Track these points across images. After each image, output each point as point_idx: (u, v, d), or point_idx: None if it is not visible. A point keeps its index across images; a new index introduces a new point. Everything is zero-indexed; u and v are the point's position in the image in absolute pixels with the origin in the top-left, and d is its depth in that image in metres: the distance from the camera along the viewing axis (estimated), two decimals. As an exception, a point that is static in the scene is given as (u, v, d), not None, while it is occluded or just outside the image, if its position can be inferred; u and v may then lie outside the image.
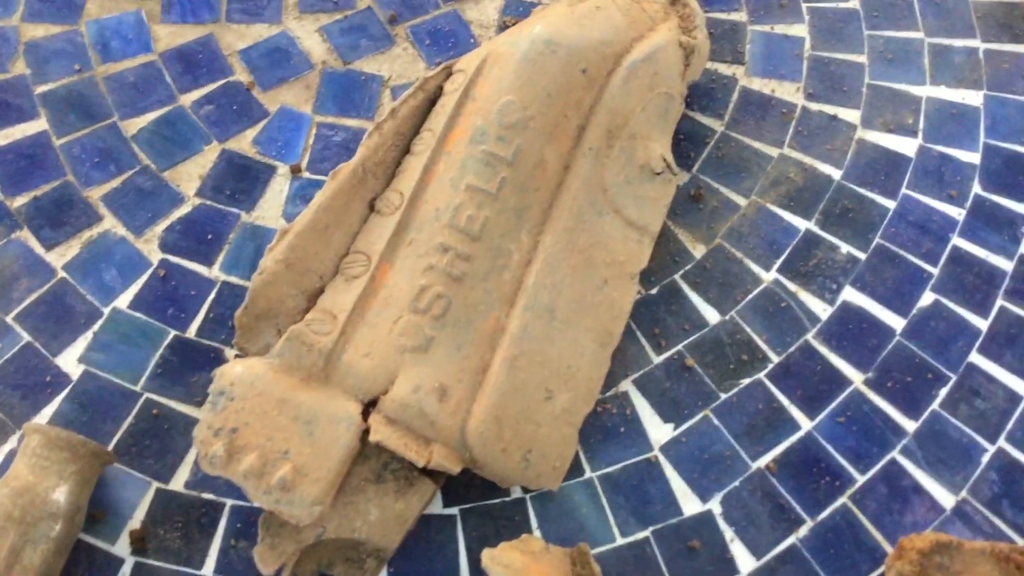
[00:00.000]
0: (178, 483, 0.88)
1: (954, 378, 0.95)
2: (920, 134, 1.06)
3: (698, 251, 1.01)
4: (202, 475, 0.88)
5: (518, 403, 0.87)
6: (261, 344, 0.89)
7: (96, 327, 0.94)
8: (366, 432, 0.84)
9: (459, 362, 0.88)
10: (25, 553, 0.77)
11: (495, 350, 0.89)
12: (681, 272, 1.00)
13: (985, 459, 0.91)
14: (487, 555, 0.79)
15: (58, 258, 0.97)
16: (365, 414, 0.85)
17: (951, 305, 0.98)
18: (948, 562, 0.84)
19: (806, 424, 0.93)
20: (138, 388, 0.92)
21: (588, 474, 0.91)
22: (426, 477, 0.85)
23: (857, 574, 0.86)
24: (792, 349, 0.97)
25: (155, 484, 0.88)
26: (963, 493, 0.90)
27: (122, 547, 0.85)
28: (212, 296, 0.96)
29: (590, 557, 0.83)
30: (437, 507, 0.88)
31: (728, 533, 0.88)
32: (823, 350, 0.97)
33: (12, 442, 0.88)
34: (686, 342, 0.97)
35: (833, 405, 0.94)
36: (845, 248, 1.01)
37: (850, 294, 0.99)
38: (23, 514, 0.78)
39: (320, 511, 0.80)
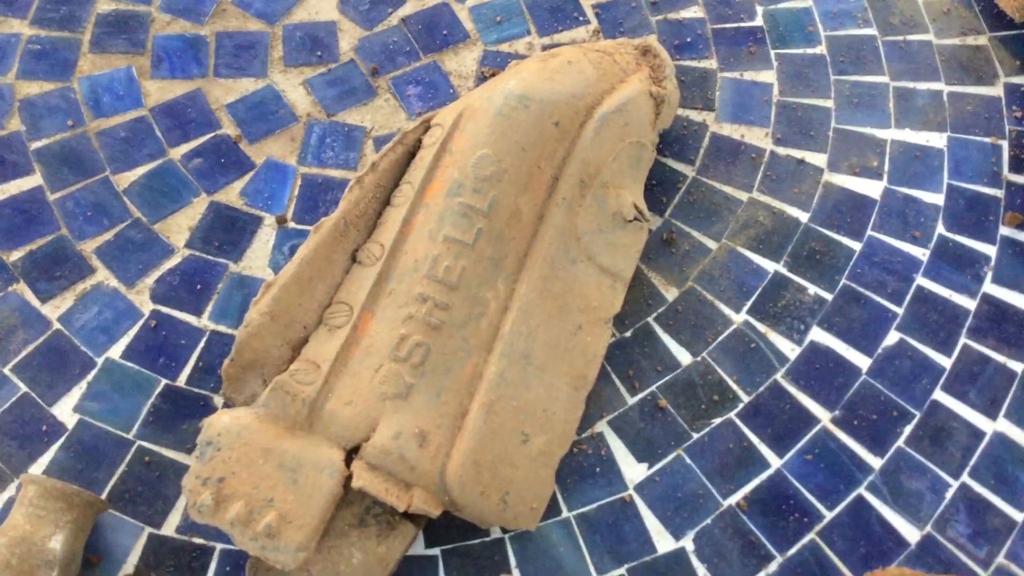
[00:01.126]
0: (170, 528, 0.91)
1: (919, 415, 0.99)
2: (885, 176, 1.10)
3: (671, 294, 1.05)
4: (193, 520, 0.91)
5: (496, 447, 0.91)
6: (248, 393, 0.93)
7: (90, 377, 0.98)
8: (349, 478, 0.87)
9: (438, 408, 0.91)
10: (22, 602, 0.80)
11: (473, 396, 0.93)
12: (654, 315, 1.04)
13: (949, 494, 0.94)
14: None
15: (53, 310, 1.01)
16: (348, 460, 0.88)
17: (915, 344, 1.02)
18: (912, 595, 0.87)
19: (775, 462, 0.97)
20: (130, 436, 0.95)
21: (565, 514, 0.94)
22: (407, 520, 0.89)
23: None
24: (762, 389, 1.00)
25: (147, 529, 0.91)
26: (928, 528, 0.93)
27: (116, 595, 0.88)
28: (201, 345, 1.00)
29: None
30: (419, 548, 0.92)
31: (701, 570, 0.92)
32: (791, 389, 1.00)
33: (11, 490, 0.91)
34: (659, 383, 1.01)
35: (801, 443, 0.98)
36: (813, 289, 1.05)
37: (817, 334, 1.03)
38: (20, 563, 0.81)
39: (304, 556, 0.83)
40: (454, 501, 0.89)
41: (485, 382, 0.93)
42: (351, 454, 0.89)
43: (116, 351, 0.99)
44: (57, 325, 1.00)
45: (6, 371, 0.97)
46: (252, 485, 0.85)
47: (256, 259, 1.04)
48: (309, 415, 0.89)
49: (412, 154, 1.03)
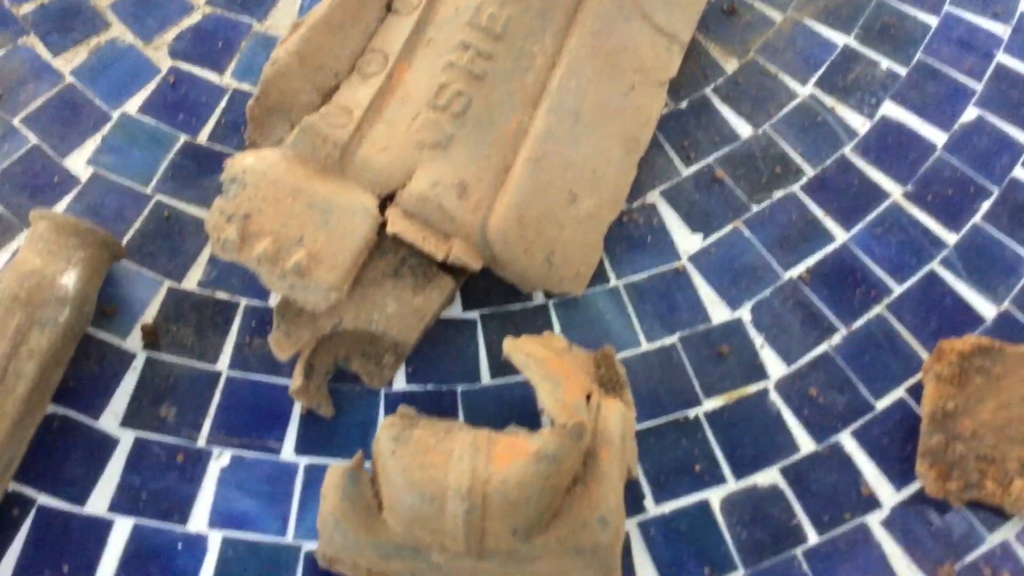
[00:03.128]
0: (191, 283, 0.85)
1: (997, 192, 0.91)
2: (966, -52, 1.00)
3: (730, 65, 0.97)
4: (216, 275, 0.85)
5: (541, 204, 0.84)
6: (274, 139, 0.86)
7: (105, 131, 0.91)
8: (382, 228, 0.80)
9: (480, 161, 0.84)
10: (32, 335, 0.74)
11: (517, 152, 0.85)
12: (712, 86, 0.96)
13: (1028, 272, 0.87)
14: (509, 343, 0.76)
15: (65, 64, 0.94)
16: (381, 209, 0.81)
17: (995, 121, 0.94)
18: (989, 364, 0.80)
19: (842, 236, 0.89)
20: (148, 191, 0.89)
21: (613, 282, 0.87)
22: (445, 274, 0.82)
23: (893, 381, 0.83)
24: (828, 162, 0.93)
25: (167, 283, 0.85)
26: (1006, 304, 0.86)
27: (134, 342, 0.82)
28: (223, 103, 0.93)
29: (615, 360, 0.80)
30: (457, 311, 0.85)
31: (758, 340, 0.85)
32: (860, 164, 0.92)
33: (20, 239, 0.85)
34: (716, 155, 0.93)
35: (870, 217, 0.90)
36: (885, 63, 0.97)
37: (890, 108, 0.95)
38: (29, 296, 0.75)
39: (336, 298, 0.76)
40: (496, 256, 0.81)
41: (531, 137, 0.85)
42: (385, 203, 0.81)
43: (133, 106, 0.92)
44: (70, 79, 0.93)
45: (15, 122, 0.91)
46: (280, 223, 0.77)
47: (282, 18, 0.97)
48: (340, 159, 0.81)
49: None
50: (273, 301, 0.85)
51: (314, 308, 0.77)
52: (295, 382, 0.78)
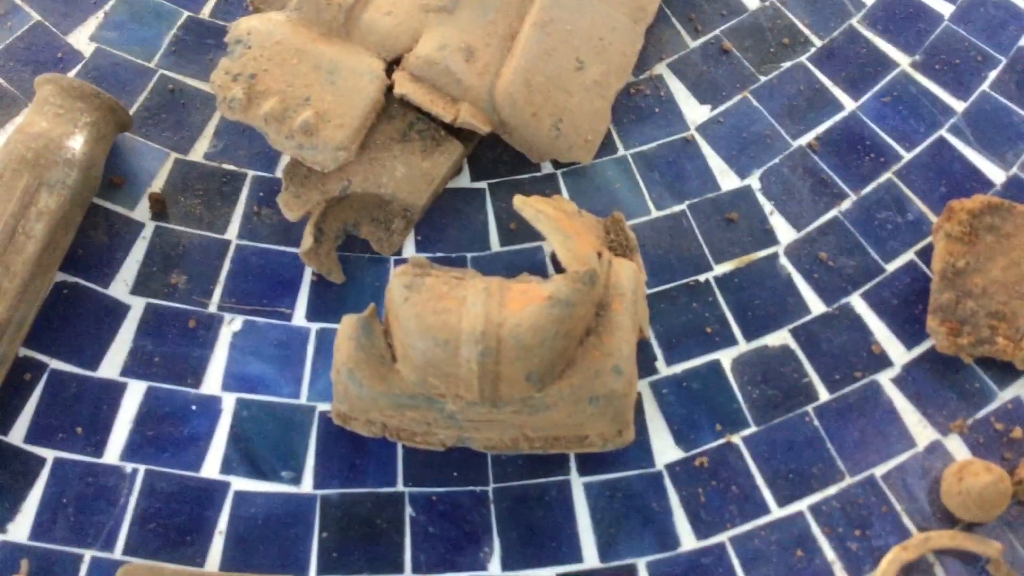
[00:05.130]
0: (197, 155, 0.85)
1: (1005, 61, 0.91)
2: None
3: (736, -61, 0.95)
4: (222, 147, 0.85)
5: (548, 69, 0.83)
6: (277, 6, 0.84)
7: (107, 7, 0.91)
8: (389, 93, 0.79)
9: (486, 26, 0.83)
10: (40, 196, 0.74)
11: (523, 18, 0.84)
12: (718, -41, 0.94)
13: (1037, 138, 0.86)
14: (519, 199, 0.76)
15: (64, -59, 0.91)
16: (388, 74, 0.80)
17: (1003, -9, 0.92)
18: (999, 222, 0.80)
19: (850, 104, 0.89)
20: (152, 65, 0.88)
21: (621, 152, 0.87)
22: (453, 138, 0.81)
23: (902, 244, 0.83)
24: (836, 33, 0.92)
25: (174, 155, 0.84)
26: (1014, 169, 0.86)
27: (142, 212, 0.82)
28: (226, -22, 0.90)
29: (625, 224, 0.80)
30: (465, 181, 0.85)
31: (767, 206, 0.84)
32: (868, 34, 0.92)
33: (24, 115, 0.83)
34: (723, 27, 0.92)
35: (878, 86, 0.90)
36: (892, -65, 0.95)
37: (897, -21, 0.93)
38: (37, 157, 0.74)
39: (344, 157, 0.76)
40: (504, 121, 0.81)
41: (537, 3, 0.85)
42: (392, 68, 0.80)
43: (134, -18, 0.90)
44: (68, -44, 0.91)
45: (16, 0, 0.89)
46: (286, 83, 0.77)
47: None
48: (345, 22, 0.81)
49: None
50: (280, 172, 0.84)
51: (323, 168, 0.77)
52: (305, 243, 0.77)
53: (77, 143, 0.76)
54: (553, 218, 0.75)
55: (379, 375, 0.70)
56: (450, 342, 0.67)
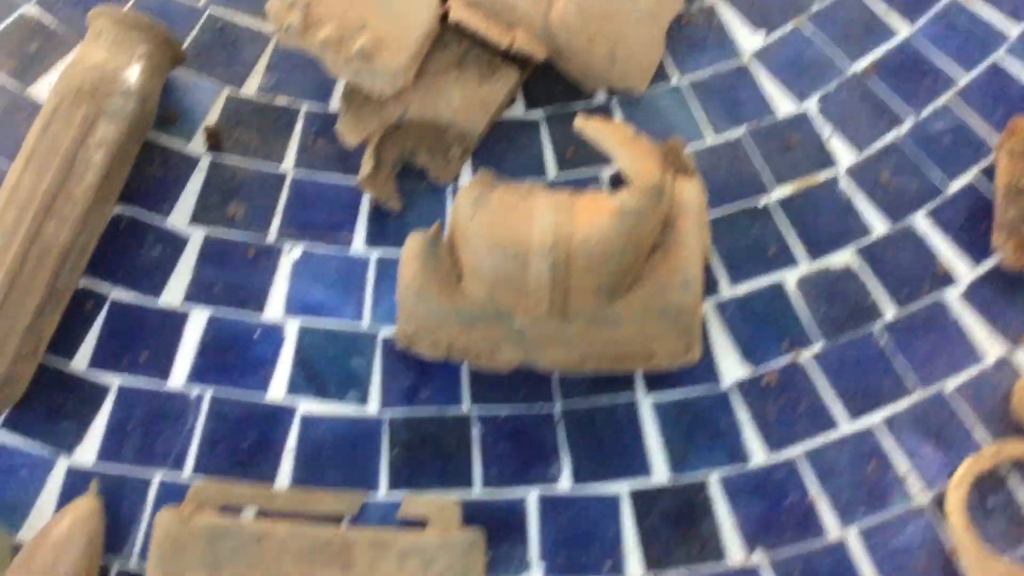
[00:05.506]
0: (250, 89, 0.84)
1: (1061, -18, 0.89)
2: None
3: None
4: (275, 81, 0.85)
5: (602, -2, 0.82)
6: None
7: (153, -53, 0.89)
8: (444, 21, 0.79)
9: (540, -47, 0.82)
10: (99, 126, 0.74)
11: (577, -54, 0.83)
12: None
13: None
14: (580, 119, 0.75)
15: None
16: (442, 0, 0.79)
17: (1057, -85, 0.91)
18: (1063, 138, 0.78)
19: (906, 30, 0.88)
20: (200, 4, 0.88)
21: (676, 80, 0.86)
22: (509, 65, 0.81)
23: (963, 165, 0.82)
24: (888, -41, 0.90)
25: (227, 89, 0.84)
26: (1074, 90, 0.84)
27: (197, 146, 0.82)
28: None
29: (683, 150, 0.79)
30: (520, 111, 0.84)
31: (825, 131, 0.84)
32: (921, -40, 0.90)
33: (76, 51, 0.83)
34: (774, -44, 0.91)
35: (934, 10, 0.89)
36: None
37: (948, -94, 0.92)
38: (94, 88, 0.74)
39: (401, 82, 0.76)
40: (559, 48, 0.80)
41: (589, -69, 0.83)
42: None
43: (180, -78, 0.90)
44: (116, -101, 0.91)
45: (64, -59, 0.89)
46: (342, 10, 0.77)
47: None
48: (399, -50, 0.79)
49: None
50: (333, 105, 0.84)
51: (380, 94, 0.77)
52: (364, 169, 0.77)
53: (133, 74, 0.76)
54: (614, 133, 0.74)
55: (446, 293, 0.69)
56: (520, 255, 0.67)
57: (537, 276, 0.66)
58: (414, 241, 0.71)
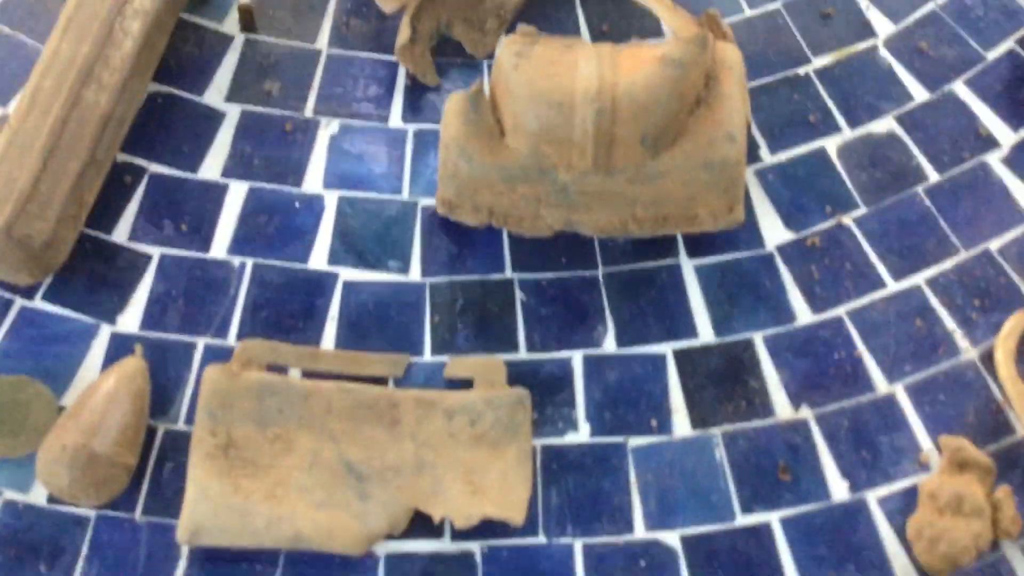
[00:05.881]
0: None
1: None
2: None
3: None
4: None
5: None
6: None
7: None
8: None
9: None
10: (136, -7, 0.73)
11: None
12: None
13: None
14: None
15: None
16: None
17: None
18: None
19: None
20: None
21: (710, -44, 0.84)
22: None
23: (1002, 33, 0.82)
24: None
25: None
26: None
27: (231, 25, 0.82)
28: None
29: (720, 20, 0.78)
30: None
31: (863, 1, 0.82)
32: None
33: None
34: None
35: None
36: None
37: None
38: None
39: (439, -52, 0.74)
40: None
41: None
42: None
43: None
44: None
45: None
46: None
47: None
48: None
49: None
50: (365, -16, 0.83)
51: (417, -40, 0.76)
52: (401, 37, 0.77)
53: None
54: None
55: (489, 149, 0.69)
56: (564, 104, 0.66)
57: (582, 124, 0.66)
58: (456, 100, 0.70)
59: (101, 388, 0.65)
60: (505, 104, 0.68)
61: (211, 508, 0.62)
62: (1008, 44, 0.81)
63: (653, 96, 0.66)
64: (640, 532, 0.65)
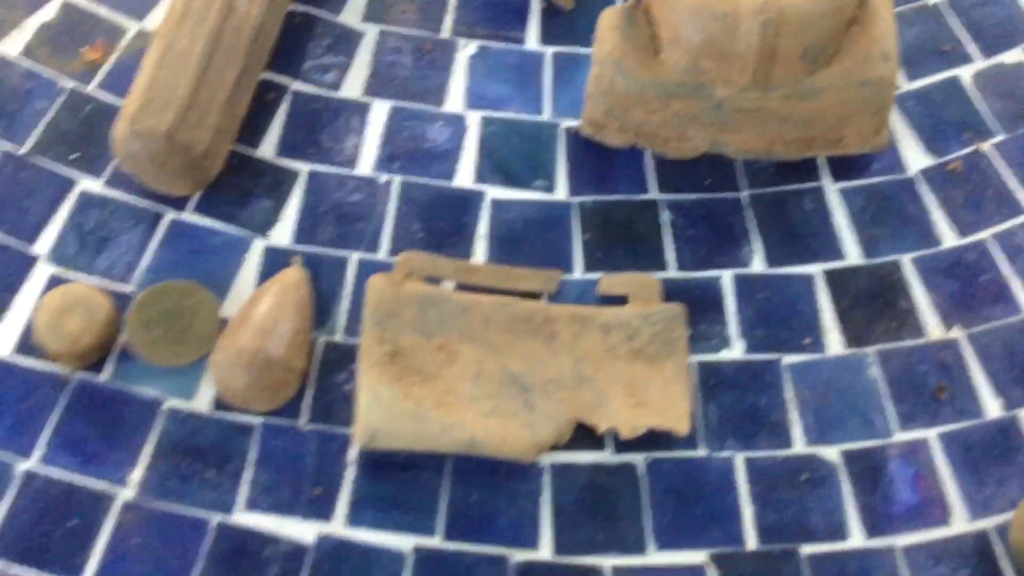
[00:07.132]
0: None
1: None
2: None
3: None
4: None
5: None
6: None
7: None
8: None
9: None
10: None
11: None
12: None
13: None
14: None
15: None
16: None
17: None
18: None
19: None
20: None
21: None
22: None
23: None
24: None
25: None
26: None
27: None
28: None
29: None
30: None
31: (993, -65, 0.82)
32: None
33: None
34: None
35: None
36: None
37: None
38: None
39: None
40: None
41: None
42: None
43: None
44: None
45: None
46: None
47: None
48: None
49: None
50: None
51: None
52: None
53: None
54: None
55: (645, 63, 0.69)
56: (729, 15, 0.66)
57: (747, 36, 0.66)
58: (611, 14, 0.70)
59: (265, 297, 0.64)
60: (664, 17, 0.68)
61: (385, 413, 0.62)
62: None
63: (817, 8, 0.66)
64: (799, 447, 0.65)
